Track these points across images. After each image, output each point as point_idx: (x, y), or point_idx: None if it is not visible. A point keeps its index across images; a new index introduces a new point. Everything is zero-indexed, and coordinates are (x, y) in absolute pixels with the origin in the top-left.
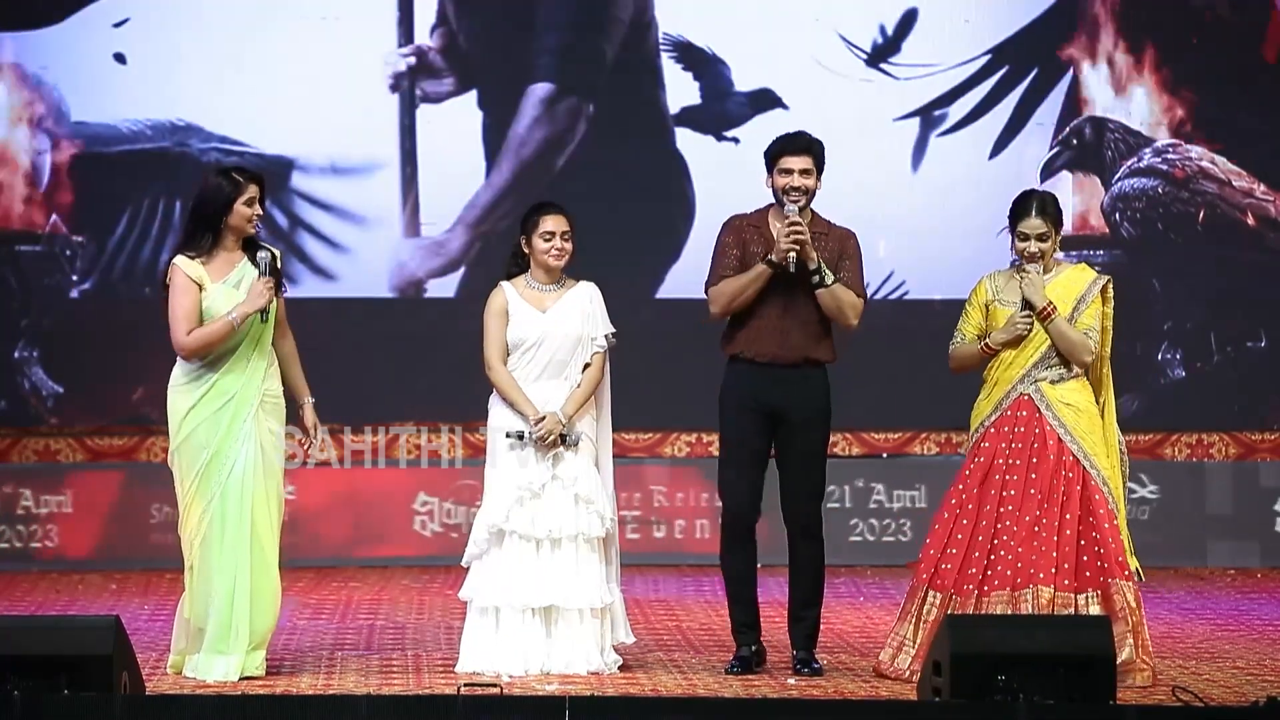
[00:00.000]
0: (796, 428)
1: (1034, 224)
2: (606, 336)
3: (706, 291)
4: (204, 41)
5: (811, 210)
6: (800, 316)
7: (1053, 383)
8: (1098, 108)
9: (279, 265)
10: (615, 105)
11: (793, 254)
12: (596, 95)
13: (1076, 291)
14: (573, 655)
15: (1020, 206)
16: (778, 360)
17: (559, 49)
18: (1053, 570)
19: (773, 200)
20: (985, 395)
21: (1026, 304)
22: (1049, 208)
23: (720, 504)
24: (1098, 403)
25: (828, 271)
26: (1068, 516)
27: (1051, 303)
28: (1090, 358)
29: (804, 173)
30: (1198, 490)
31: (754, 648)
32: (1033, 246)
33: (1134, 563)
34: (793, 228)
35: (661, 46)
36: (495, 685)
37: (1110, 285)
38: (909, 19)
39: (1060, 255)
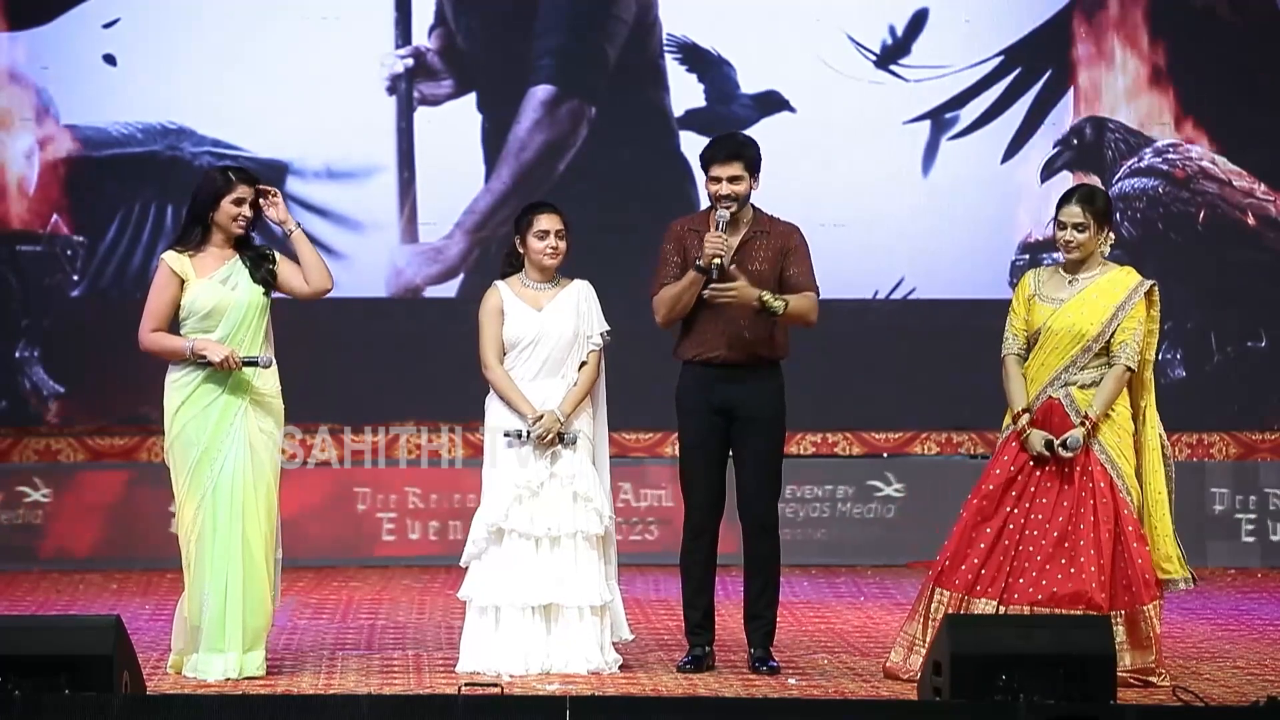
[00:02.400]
0: (750, 426)
1: (1071, 211)
2: (602, 334)
3: (651, 300)
4: (196, 42)
5: (753, 208)
6: (747, 315)
7: (1083, 387)
8: (1101, 108)
9: (274, 264)
10: (618, 108)
11: (717, 260)
12: (599, 97)
13: (1116, 298)
14: (572, 653)
15: (1064, 195)
16: (728, 360)
17: (560, 50)
18: (1079, 593)
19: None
20: None
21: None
22: (1096, 201)
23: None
24: (1139, 407)
25: (775, 304)
26: (1094, 535)
27: (1085, 421)
28: (1130, 375)
29: (733, 179)
30: (1198, 490)
31: (707, 648)
32: (1068, 235)
33: (1185, 571)
34: (712, 242)
35: (665, 47)
36: (496, 685)
37: (1156, 289)
38: (919, 20)
39: (1107, 255)
